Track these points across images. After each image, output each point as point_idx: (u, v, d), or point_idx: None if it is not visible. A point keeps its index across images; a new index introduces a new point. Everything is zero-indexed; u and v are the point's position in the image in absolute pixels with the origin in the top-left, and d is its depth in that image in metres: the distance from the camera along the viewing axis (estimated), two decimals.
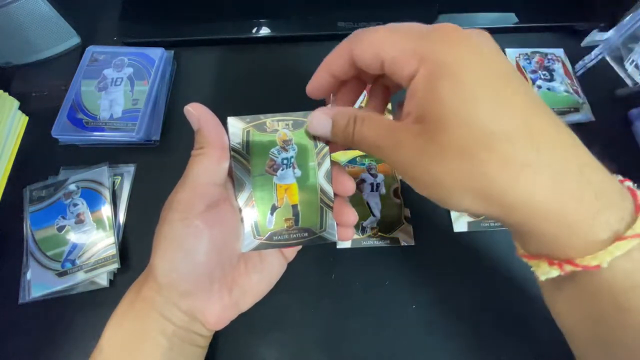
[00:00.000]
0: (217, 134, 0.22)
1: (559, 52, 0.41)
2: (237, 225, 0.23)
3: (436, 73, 0.16)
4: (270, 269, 0.25)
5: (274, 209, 0.23)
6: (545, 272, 0.16)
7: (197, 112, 0.22)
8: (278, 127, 0.23)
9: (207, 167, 0.21)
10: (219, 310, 0.23)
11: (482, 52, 0.16)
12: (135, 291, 0.22)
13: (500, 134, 0.15)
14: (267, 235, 0.23)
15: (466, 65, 0.16)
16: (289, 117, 0.23)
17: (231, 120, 0.22)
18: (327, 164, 0.23)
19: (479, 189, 0.16)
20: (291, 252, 0.26)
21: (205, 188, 0.21)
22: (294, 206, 0.23)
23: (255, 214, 0.23)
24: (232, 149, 0.22)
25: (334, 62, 0.22)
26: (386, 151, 0.18)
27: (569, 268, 0.16)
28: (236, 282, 0.23)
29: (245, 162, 0.23)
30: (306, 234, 0.23)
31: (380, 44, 0.18)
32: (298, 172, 0.23)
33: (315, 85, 0.23)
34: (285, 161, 0.23)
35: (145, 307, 0.21)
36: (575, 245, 0.15)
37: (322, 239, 0.23)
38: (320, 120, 0.21)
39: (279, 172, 0.23)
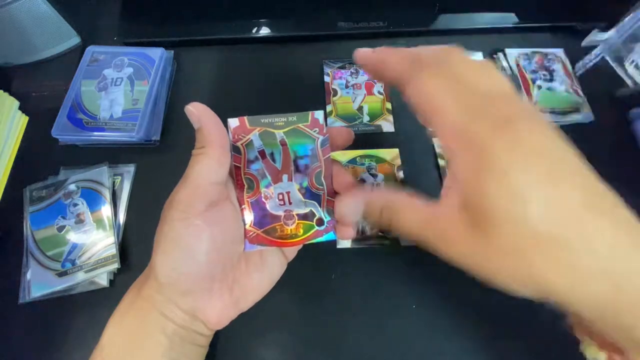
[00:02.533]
0: (218, 133, 0.22)
1: (559, 52, 0.41)
2: (238, 224, 0.23)
3: (482, 164, 0.16)
4: (271, 268, 0.25)
5: None
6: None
7: (198, 112, 0.22)
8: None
9: (207, 167, 0.21)
10: (220, 310, 0.23)
11: (537, 142, 0.16)
12: (136, 290, 0.22)
13: (552, 236, 0.14)
14: None
15: (516, 158, 0.15)
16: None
17: None
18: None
19: (536, 287, 0.16)
20: (292, 252, 0.26)
21: (206, 187, 0.21)
22: None
23: None
24: None
25: (389, 64, 0.21)
26: (433, 242, 0.18)
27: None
28: (237, 281, 0.23)
29: None
30: None
31: (431, 101, 0.18)
32: None
33: (364, 56, 0.23)
34: None
35: (145, 306, 0.21)
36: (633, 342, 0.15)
37: None
38: (348, 207, 0.21)
39: None
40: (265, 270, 0.25)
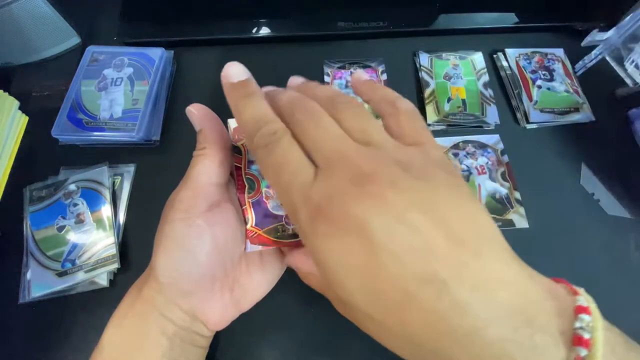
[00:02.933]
0: (219, 134, 0.22)
1: (559, 52, 0.41)
2: (239, 225, 0.23)
3: (311, 253, 0.17)
4: (271, 268, 0.25)
5: (449, 100, 0.37)
6: None
7: (198, 113, 0.22)
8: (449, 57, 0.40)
9: (209, 167, 0.21)
10: (220, 310, 0.23)
11: (356, 220, 0.15)
12: (136, 291, 0.22)
13: (377, 321, 0.15)
14: (444, 114, 0.36)
15: (333, 247, 0.15)
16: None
17: None
18: (485, 77, 0.39)
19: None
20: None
21: (207, 188, 0.21)
22: (463, 100, 0.37)
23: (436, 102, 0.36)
24: None
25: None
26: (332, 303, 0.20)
27: None
28: (237, 281, 0.23)
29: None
30: (472, 118, 0.36)
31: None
32: (465, 80, 0.38)
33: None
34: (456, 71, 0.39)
35: (146, 307, 0.21)
36: None
37: (485, 122, 0.36)
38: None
39: (452, 79, 0.38)
40: (266, 270, 0.25)
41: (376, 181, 0.15)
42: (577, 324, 0.14)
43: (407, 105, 0.20)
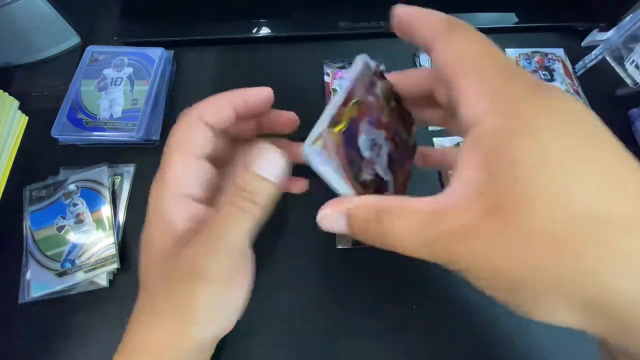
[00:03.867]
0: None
1: (559, 52, 0.41)
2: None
3: (517, 126, 0.12)
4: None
5: None
6: None
7: None
8: None
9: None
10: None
11: (577, 110, 0.13)
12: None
13: (609, 219, 0.11)
14: None
15: (559, 121, 0.12)
16: None
17: None
18: None
19: (580, 295, 0.11)
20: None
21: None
22: None
23: None
24: None
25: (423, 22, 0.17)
26: (436, 244, 0.13)
27: None
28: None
29: None
30: None
31: (463, 61, 0.15)
32: None
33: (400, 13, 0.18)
34: None
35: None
36: None
37: None
38: (330, 221, 0.16)
39: None
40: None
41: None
42: None
43: None
